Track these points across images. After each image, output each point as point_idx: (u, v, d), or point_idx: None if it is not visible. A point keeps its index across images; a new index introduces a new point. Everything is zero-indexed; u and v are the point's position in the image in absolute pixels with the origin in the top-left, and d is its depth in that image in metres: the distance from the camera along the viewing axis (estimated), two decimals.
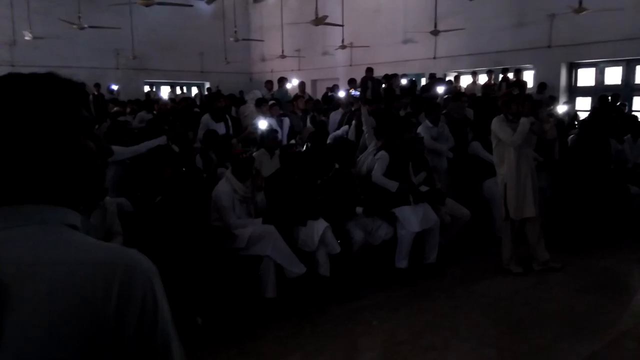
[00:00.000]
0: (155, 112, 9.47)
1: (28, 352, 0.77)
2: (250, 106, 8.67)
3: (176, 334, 0.91)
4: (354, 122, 7.21)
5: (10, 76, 0.88)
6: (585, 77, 11.52)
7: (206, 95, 14.75)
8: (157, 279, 0.87)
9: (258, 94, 9.60)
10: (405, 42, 13.88)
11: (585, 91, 11.43)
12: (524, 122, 4.54)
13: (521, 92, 4.99)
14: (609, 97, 9.06)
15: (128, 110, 10.92)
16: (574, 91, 11.52)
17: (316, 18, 11.16)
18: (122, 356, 0.81)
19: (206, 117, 7.27)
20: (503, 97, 5.08)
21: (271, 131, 5.89)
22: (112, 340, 0.80)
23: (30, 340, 0.77)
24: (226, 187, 4.31)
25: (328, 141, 6.32)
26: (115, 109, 10.51)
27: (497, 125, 4.75)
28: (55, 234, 0.85)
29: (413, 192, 4.84)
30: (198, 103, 13.02)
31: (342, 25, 12.61)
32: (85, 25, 11.86)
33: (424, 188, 5.10)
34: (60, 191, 0.88)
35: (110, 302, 0.80)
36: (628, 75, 10.63)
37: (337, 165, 4.98)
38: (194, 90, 18.30)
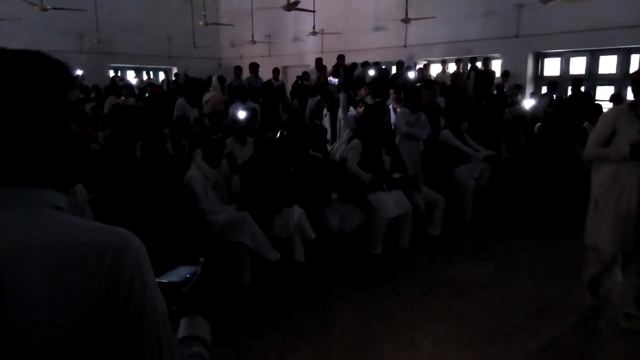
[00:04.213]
0: (123, 97, 9.24)
1: (23, 333, 0.77)
2: (211, 93, 8.50)
3: (166, 312, 0.90)
4: (325, 109, 7.21)
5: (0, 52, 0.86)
6: (551, 66, 11.77)
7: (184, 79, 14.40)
8: (145, 258, 0.87)
9: (215, 80, 9.29)
10: (377, 29, 13.86)
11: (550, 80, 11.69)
12: (624, 152, 3.31)
13: None
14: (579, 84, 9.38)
15: (93, 95, 10.62)
16: (540, 80, 11.75)
17: (288, 3, 11.03)
18: (114, 336, 0.82)
19: (182, 102, 7.12)
20: (634, 77, 3.44)
21: (251, 112, 5.79)
22: (105, 320, 0.81)
23: (25, 320, 0.77)
24: (197, 173, 4.25)
25: None
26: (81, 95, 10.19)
27: (613, 116, 3.45)
28: (44, 215, 0.84)
29: (386, 179, 4.89)
30: (165, 89, 12.76)
31: (314, 11, 12.50)
32: (48, 7, 11.43)
33: (396, 175, 5.14)
34: (45, 173, 0.87)
35: (101, 283, 0.81)
36: (592, 65, 10.90)
37: (311, 152, 4.97)
38: (161, 76, 17.90)
